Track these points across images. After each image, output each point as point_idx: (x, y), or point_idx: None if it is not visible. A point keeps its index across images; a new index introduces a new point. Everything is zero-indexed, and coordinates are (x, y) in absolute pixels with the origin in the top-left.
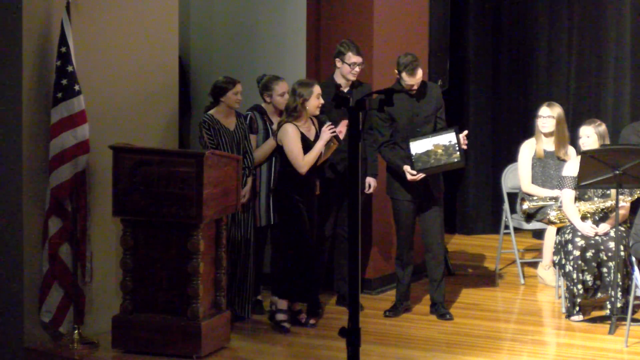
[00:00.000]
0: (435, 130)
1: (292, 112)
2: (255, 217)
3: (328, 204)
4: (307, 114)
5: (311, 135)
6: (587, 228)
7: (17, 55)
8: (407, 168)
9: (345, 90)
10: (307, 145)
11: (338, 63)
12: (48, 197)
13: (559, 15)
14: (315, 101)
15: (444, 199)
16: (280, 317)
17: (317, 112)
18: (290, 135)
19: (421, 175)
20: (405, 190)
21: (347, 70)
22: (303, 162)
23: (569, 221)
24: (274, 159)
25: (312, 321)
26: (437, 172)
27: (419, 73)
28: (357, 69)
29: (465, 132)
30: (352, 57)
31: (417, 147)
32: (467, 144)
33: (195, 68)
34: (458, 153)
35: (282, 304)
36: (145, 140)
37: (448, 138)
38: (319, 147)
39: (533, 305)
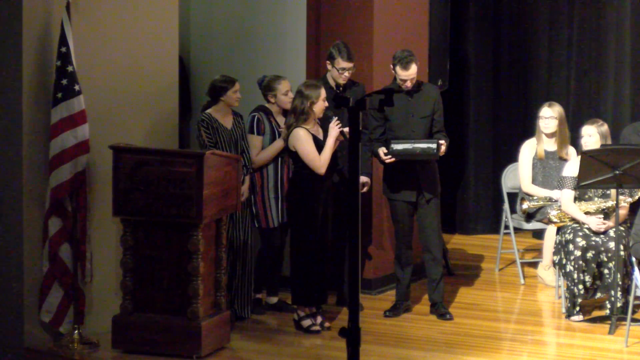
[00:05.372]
0: (423, 138)
1: (300, 115)
2: (259, 218)
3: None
4: (314, 115)
5: (319, 135)
6: (595, 221)
7: (17, 55)
8: (381, 149)
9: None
10: (318, 145)
11: (328, 65)
12: (48, 197)
13: (559, 15)
14: (321, 104)
15: (443, 198)
16: (307, 322)
17: (321, 115)
18: (303, 139)
19: (391, 159)
20: (401, 191)
21: (336, 74)
22: (320, 162)
23: (573, 219)
24: (279, 160)
25: (327, 324)
26: (409, 159)
27: (413, 68)
28: (346, 74)
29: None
30: (341, 63)
31: (398, 145)
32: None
33: (195, 68)
34: (435, 150)
35: (304, 309)
36: (145, 140)
37: (428, 144)
38: (330, 144)
39: (533, 305)
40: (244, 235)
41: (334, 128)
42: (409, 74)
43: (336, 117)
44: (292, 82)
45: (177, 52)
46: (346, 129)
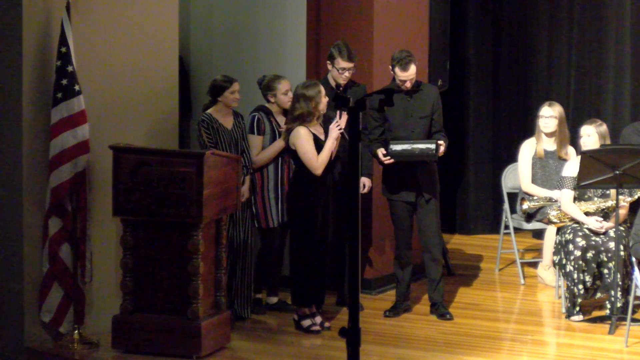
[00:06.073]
0: (423, 139)
1: (306, 117)
2: (259, 218)
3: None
4: (319, 115)
5: (321, 135)
6: (593, 222)
7: (17, 55)
8: (380, 150)
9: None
10: (319, 145)
11: (329, 66)
12: (48, 197)
13: (559, 15)
14: (324, 100)
15: (443, 198)
16: (307, 322)
17: (325, 110)
18: (304, 138)
19: (390, 160)
20: (400, 191)
21: (336, 74)
22: (318, 163)
23: (572, 219)
24: (280, 159)
25: (327, 324)
26: (408, 159)
27: (412, 69)
28: (346, 74)
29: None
30: (341, 63)
31: (397, 146)
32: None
33: (195, 68)
34: (434, 151)
35: (304, 310)
36: (145, 140)
37: (427, 145)
38: (329, 145)
39: (533, 305)
40: (244, 235)
41: (334, 129)
42: (408, 74)
43: (337, 118)
44: (292, 82)
45: (177, 52)
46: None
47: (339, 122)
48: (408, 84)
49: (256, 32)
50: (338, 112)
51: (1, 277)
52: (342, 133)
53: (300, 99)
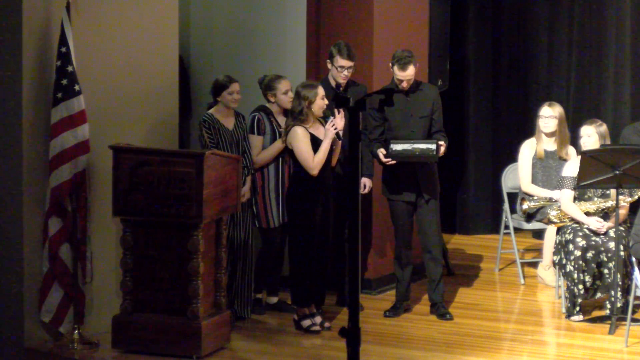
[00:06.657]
0: (423, 138)
1: (298, 115)
2: (259, 218)
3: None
4: (313, 115)
5: (320, 135)
6: (594, 222)
7: (17, 55)
8: (381, 150)
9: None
10: (317, 145)
11: (328, 64)
12: (48, 197)
13: (559, 15)
14: (320, 102)
15: (443, 198)
16: (307, 322)
17: (322, 114)
18: (300, 138)
19: (391, 161)
20: (400, 191)
21: (335, 73)
22: (313, 163)
23: (573, 219)
24: (280, 159)
25: (327, 324)
26: (408, 160)
27: (411, 69)
28: (345, 72)
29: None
30: (340, 61)
31: (397, 146)
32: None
33: (195, 68)
34: (434, 152)
35: (304, 310)
36: (145, 140)
37: (428, 145)
38: (325, 146)
39: (533, 305)
40: (245, 235)
41: (330, 129)
42: (405, 74)
43: (332, 117)
44: (292, 82)
45: (177, 52)
46: (339, 125)
47: (335, 122)
48: (405, 84)
49: (256, 32)
50: (337, 112)
51: (1, 277)
52: (337, 133)
53: (295, 96)
